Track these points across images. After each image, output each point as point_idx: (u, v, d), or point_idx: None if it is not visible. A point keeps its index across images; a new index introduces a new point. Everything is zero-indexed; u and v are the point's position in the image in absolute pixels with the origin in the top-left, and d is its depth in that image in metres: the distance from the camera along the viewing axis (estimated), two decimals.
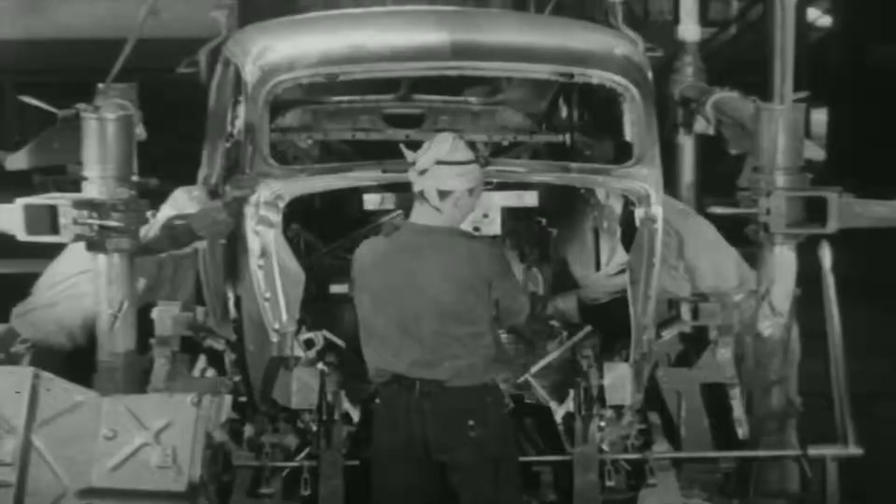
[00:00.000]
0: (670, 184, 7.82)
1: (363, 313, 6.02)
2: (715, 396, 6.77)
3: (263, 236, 6.38)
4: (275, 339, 6.34)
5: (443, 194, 5.90)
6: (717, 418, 6.69)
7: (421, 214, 5.98)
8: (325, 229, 7.20)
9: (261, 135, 6.47)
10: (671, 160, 7.71)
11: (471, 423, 5.86)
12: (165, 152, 7.02)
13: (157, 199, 6.40)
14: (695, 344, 6.81)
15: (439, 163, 5.90)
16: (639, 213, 6.49)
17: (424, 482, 5.91)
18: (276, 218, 6.38)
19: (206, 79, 7.90)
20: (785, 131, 6.36)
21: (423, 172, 5.90)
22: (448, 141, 5.94)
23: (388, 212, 6.82)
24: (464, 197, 5.93)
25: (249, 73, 6.61)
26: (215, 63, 7.64)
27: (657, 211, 6.48)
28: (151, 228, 6.47)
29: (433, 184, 5.90)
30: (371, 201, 6.75)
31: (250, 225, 6.39)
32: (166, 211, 6.86)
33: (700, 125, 7.87)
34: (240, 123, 7.01)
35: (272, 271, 6.35)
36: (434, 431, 5.85)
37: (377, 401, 6.00)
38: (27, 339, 7.13)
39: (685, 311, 6.68)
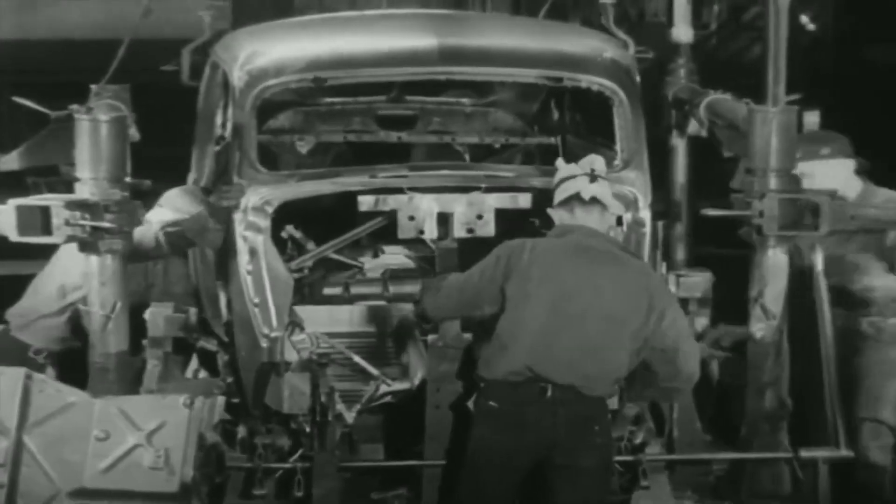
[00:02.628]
0: (663, 186, 7.83)
1: (511, 305, 5.94)
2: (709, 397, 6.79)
3: (252, 242, 6.38)
4: (265, 344, 6.34)
5: (611, 205, 6.07)
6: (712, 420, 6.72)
7: (583, 218, 6.06)
8: (318, 231, 7.20)
9: (248, 140, 6.48)
10: (664, 162, 7.71)
11: (596, 428, 5.91)
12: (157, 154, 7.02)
13: (150, 199, 6.39)
14: None
15: (602, 177, 6.06)
16: (626, 217, 6.50)
17: (515, 490, 5.93)
18: (265, 223, 6.39)
19: (187, 78, 7.90)
20: (778, 133, 6.37)
21: (594, 179, 6.02)
22: (601, 160, 6.13)
23: (382, 213, 6.81)
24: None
25: (237, 78, 6.62)
26: (197, 63, 7.64)
27: (645, 215, 6.49)
28: (146, 233, 6.47)
29: (607, 192, 6.04)
30: (365, 203, 6.76)
31: (239, 230, 6.40)
32: (158, 212, 6.86)
33: (693, 127, 7.87)
34: (228, 127, 7.02)
35: (261, 276, 6.35)
36: (564, 435, 5.87)
37: (492, 403, 5.91)
38: (40, 349, 7.15)
39: (672, 281, 6.73)
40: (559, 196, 6.10)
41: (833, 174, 7.01)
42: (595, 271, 5.94)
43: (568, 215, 6.08)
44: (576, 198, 6.06)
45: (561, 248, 6.01)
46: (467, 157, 8.00)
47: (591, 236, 6.04)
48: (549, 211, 6.15)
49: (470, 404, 6.09)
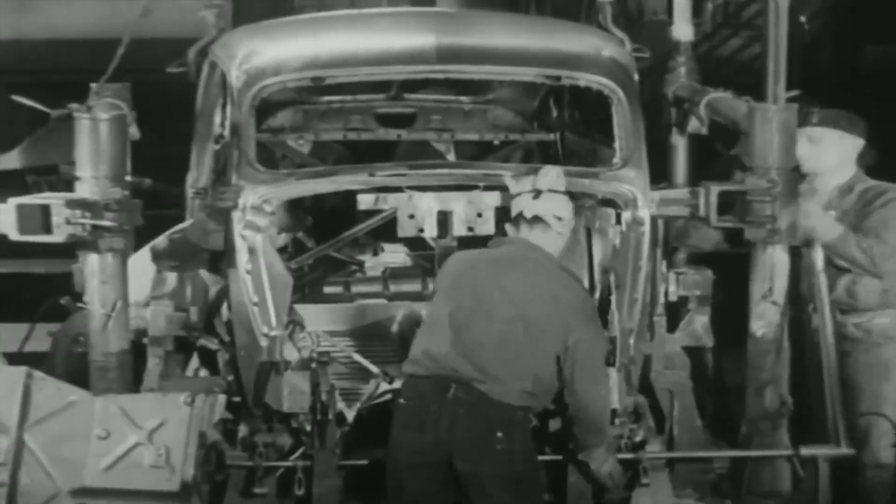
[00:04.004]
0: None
1: (439, 297, 6.04)
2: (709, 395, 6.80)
3: (251, 241, 6.38)
4: (264, 343, 6.34)
5: (558, 220, 6.09)
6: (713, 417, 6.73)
7: (533, 239, 6.10)
8: (318, 229, 7.20)
9: (247, 139, 6.48)
10: (664, 160, 7.71)
11: (499, 434, 5.85)
12: (157, 153, 7.02)
13: (150, 198, 6.39)
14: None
15: (552, 191, 6.07)
16: (625, 216, 6.50)
17: (442, 490, 5.88)
18: (264, 222, 6.38)
19: (195, 79, 7.90)
20: (778, 131, 6.37)
21: (537, 196, 6.05)
22: (556, 171, 6.15)
23: (381, 212, 6.82)
24: (569, 226, 6.16)
25: (235, 78, 6.61)
26: (201, 63, 7.64)
27: (644, 214, 6.49)
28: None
29: (551, 208, 6.06)
30: (365, 201, 6.75)
31: (238, 230, 6.39)
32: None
33: (693, 125, 7.86)
34: (227, 127, 7.01)
35: (260, 276, 6.35)
36: (462, 438, 5.82)
37: (401, 400, 5.95)
38: None
39: (672, 279, 6.71)
40: (512, 212, 6.17)
41: (838, 149, 7.04)
42: (516, 278, 5.97)
43: (514, 232, 6.15)
44: (520, 216, 6.11)
45: (486, 255, 6.07)
46: (451, 155, 8.00)
47: (530, 249, 6.07)
48: (506, 227, 6.20)
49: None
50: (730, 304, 6.83)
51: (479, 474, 5.82)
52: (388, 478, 5.97)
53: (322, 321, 6.60)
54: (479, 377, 5.84)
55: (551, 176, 6.14)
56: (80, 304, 6.99)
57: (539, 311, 5.94)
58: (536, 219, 6.09)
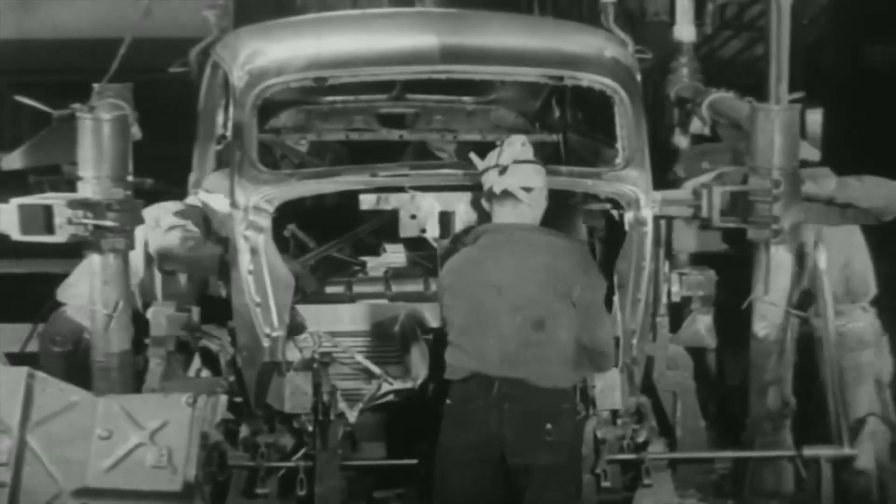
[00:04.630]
0: (665, 184, 7.82)
1: (446, 313, 5.96)
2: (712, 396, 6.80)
3: (253, 241, 6.37)
4: (266, 343, 6.34)
5: (527, 190, 5.97)
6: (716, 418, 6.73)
7: (505, 214, 6.00)
8: (321, 229, 7.20)
9: (249, 139, 6.47)
10: (667, 161, 7.71)
11: (548, 426, 5.83)
12: (159, 153, 7.03)
13: (152, 198, 6.40)
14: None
15: (517, 162, 5.97)
16: (628, 216, 6.50)
17: (493, 485, 5.85)
18: (266, 223, 6.38)
19: (197, 79, 7.91)
20: (780, 132, 6.37)
21: (503, 171, 5.95)
22: (520, 141, 6.04)
23: (382, 212, 6.82)
24: (542, 193, 6.02)
25: (237, 78, 6.61)
26: (203, 63, 7.64)
27: (646, 214, 6.49)
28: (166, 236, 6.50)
29: (517, 181, 5.95)
30: (367, 201, 6.76)
31: (240, 230, 6.39)
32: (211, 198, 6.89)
33: (696, 125, 7.88)
34: (229, 127, 7.01)
35: (262, 276, 6.35)
36: (512, 433, 5.80)
37: (448, 401, 5.89)
38: None
39: (675, 280, 6.73)
40: (483, 189, 6.05)
41: None
42: (516, 264, 5.88)
43: (489, 208, 6.03)
44: (489, 192, 6.01)
45: (483, 250, 5.96)
46: (446, 154, 8.01)
47: (515, 230, 5.96)
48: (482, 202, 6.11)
49: None
50: (733, 305, 6.83)
51: (531, 467, 5.81)
52: (437, 479, 5.91)
53: (324, 322, 6.59)
54: (520, 369, 5.83)
55: (515, 147, 6.04)
56: (61, 303, 7.05)
57: (547, 287, 5.88)
58: (505, 193, 5.99)
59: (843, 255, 6.95)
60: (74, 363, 6.95)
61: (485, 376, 5.82)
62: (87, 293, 7.07)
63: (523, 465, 5.80)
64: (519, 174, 5.97)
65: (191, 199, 7.13)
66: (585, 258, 6.10)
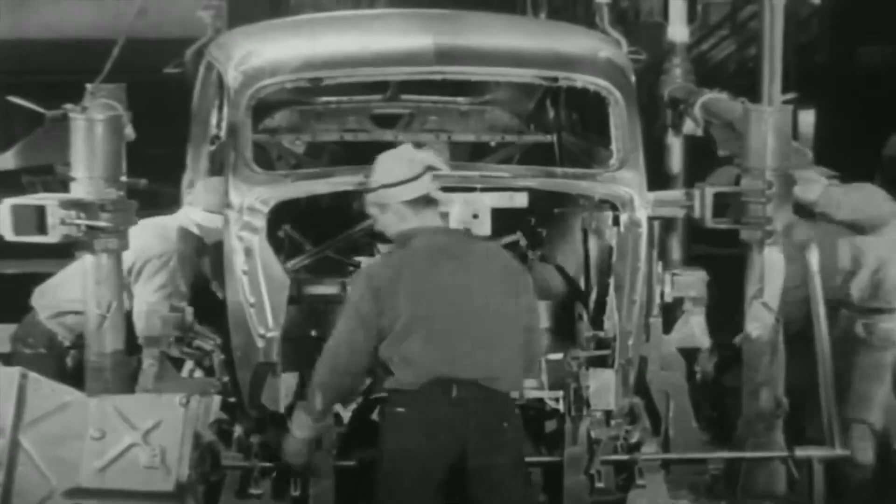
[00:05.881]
0: (659, 185, 7.84)
1: (402, 320, 5.81)
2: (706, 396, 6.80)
3: (247, 242, 6.37)
4: (260, 344, 6.34)
5: (443, 199, 6.00)
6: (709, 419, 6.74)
7: (429, 218, 5.97)
8: (315, 230, 7.20)
9: (243, 140, 6.48)
10: (660, 161, 7.72)
11: (505, 425, 5.84)
12: (153, 153, 7.03)
13: (145, 199, 6.39)
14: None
15: (429, 167, 5.95)
16: (623, 217, 6.50)
17: (452, 492, 5.82)
18: (260, 223, 6.38)
19: (191, 79, 7.90)
20: (773, 133, 6.38)
21: (418, 177, 5.91)
22: (434, 148, 6.07)
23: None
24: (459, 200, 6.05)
25: (232, 78, 6.61)
26: (201, 63, 7.64)
27: (641, 215, 6.49)
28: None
29: (434, 186, 5.94)
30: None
31: (234, 230, 6.38)
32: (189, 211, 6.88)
33: (689, 126, 7.88)
34: (223, 127, 7.01)
35: (257, 277, 6.35)
36: (475, 434, 5.78)
37: (400, 409, 5.82)
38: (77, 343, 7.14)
39: (667, 280, 6.74)
40: (407, 194, 5.94)
41: None
42: (456, 266, 5.86)
43: (412, 212, 5.94)
44: (423, 197, 5.95)
45: (414, 256, 5.90)
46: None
47: (436, 234, 5.95)
48: (374, 208, 6.01)
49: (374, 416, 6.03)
50: (725, 306, 6.84)
51: (491, 467, 5.80)
52: (391, 491, 5.83)
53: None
54: (474, 372, 5.81)
55: (433, 157, 6.02)
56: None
57: (490, 289, 5.87)
58: (429, 199, 5.95)
59: (876, 260, 7.00)
60: (47, 365, 6.98)
61: (444, 380, 5.78)
62: (59, 303, 7.12)
63: (484, 466, 5.79)
64: (431, 182, 5.96)
65: (182, 218, 7.11)
66: (516, 262, 6.14)
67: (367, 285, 5.87)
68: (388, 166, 6.01)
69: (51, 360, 7.23)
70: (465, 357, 5.80)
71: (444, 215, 6.14)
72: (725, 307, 6.80)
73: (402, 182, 5.93)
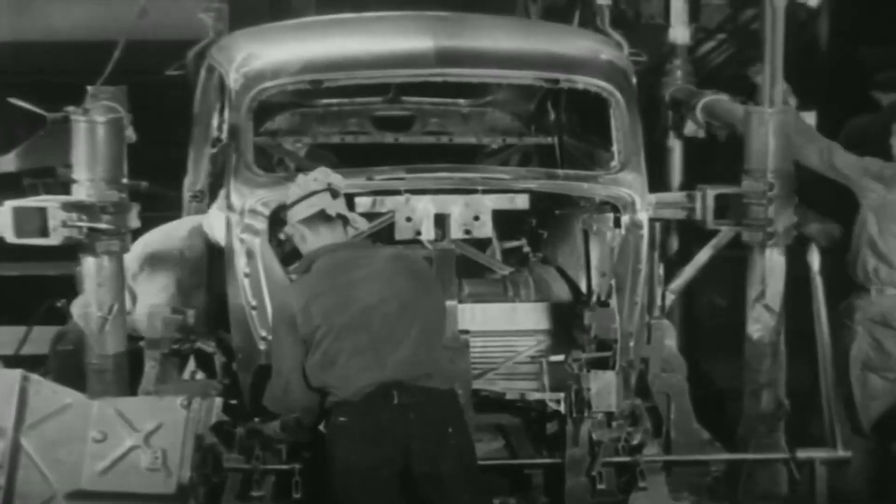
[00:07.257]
0: (660, 187, 7.84)
1: (326, 341, 5.82)
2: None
3: (249, 244, 6.38)
4: (262, 346, 6.34)
5: (353, 219, 6.05)
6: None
7: (328, 236, 5.98)
8: None
9: (245, 142, 6.49)
10: (661, 163, 7.72)
11: (450, 430, 5.83)
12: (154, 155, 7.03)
13: (147, 201, 6.39)
14: None
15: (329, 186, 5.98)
16: (624, 219, 6.50)
17: (402, 499, 5.82)
18: (262, 226, 6.39)
19: (192, 81, 7.91)
20: (774, 134, 6.38)
21: (336, 196, 5.95)
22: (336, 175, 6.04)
23: (378, 214, 6.81)
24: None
25: (233, 81, 6.62)
26: (202, 66, 7.64)
27: (642, 217, 6.50)
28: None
29: (344, 206, 5.98)
30: (363, 204, 6.75)
31: (236, 233, 6.39)
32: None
33: (690, 128, 7.88)
34: (225, 130, 7.02)
35: (258, 279, 6.35)
36: (418, 440, 5.78)
37: (341, 419, 5.80)
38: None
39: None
40: (301, 213, 5.98)
41: None
42: (370, 274, 5.89)
43: (310, 232, 5.99)
44: (320, 215, 5.97)
45: (317, 277, 5.91)
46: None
47: (336, 250, 5.96)
48: (289, 227, 6.05)
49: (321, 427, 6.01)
50: (727, 307, 6.85)
51: (438, 473, 5.79)
52: (342, 500, 5.82)
53: None
54: (406, 371, 5.81)
55: (336, 176, 6.02)
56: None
57: (400, 292, 5.88)
58: (339, 216, 5.99)
59: None
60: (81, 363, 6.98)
61: (384, 386, 5.77)
62: None
63: (432, 472, 5.78)
64: (343, 201, 6.01)
65: (205, 222, 7.07)
66: (422, 262, 6.16)
67: (281, 318, 5.89)
68: (291, 189, 6.06)
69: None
70: (393, 359, 5.80)
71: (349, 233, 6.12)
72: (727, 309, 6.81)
73: (295, 202, 5.97)
